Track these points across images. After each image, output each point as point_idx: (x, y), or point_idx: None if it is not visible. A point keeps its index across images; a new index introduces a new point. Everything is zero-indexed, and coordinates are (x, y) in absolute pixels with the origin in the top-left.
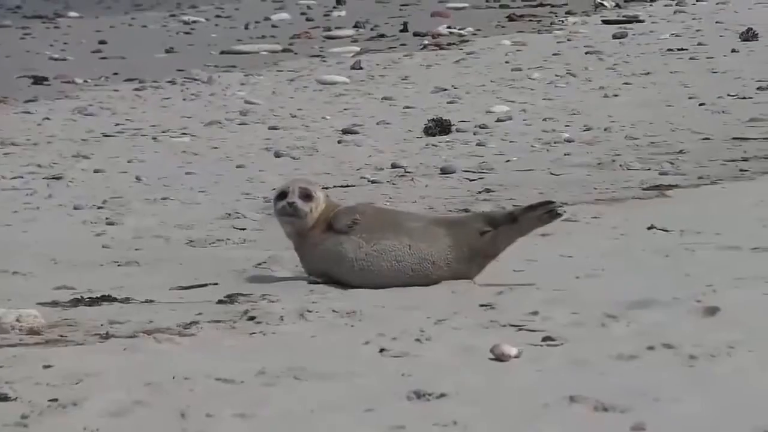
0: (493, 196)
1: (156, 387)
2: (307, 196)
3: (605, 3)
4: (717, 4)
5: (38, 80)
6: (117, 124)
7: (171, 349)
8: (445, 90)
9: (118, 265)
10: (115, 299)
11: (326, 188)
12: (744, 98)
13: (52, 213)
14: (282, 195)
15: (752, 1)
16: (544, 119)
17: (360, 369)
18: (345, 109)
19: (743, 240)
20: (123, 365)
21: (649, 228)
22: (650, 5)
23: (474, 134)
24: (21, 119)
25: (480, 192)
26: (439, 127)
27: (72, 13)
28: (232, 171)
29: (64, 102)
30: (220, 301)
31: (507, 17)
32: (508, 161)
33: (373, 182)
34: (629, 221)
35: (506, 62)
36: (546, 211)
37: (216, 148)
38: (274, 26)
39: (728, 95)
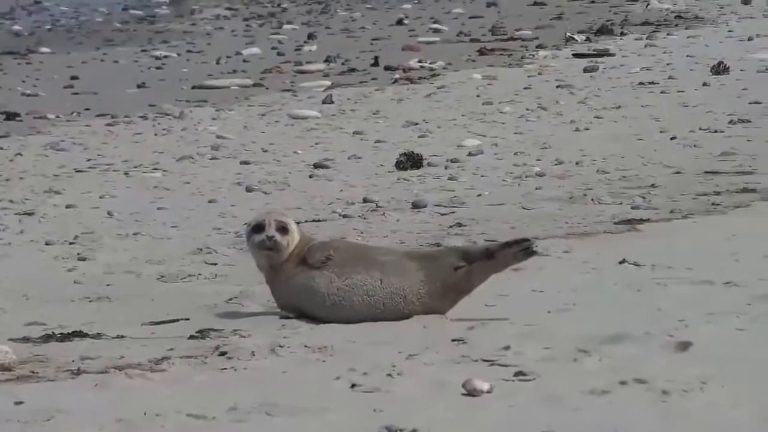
0: (464, 231)
1: (127, 423)
2: (283, 229)
3: (576, 37)
4: (687, 38)
5: (10, 116)
6: (89, 160)
7: (142, 385)
8: (416, 124)
9: (90, 301)
10: (86, 335)
11: (298, 222)
12: (715, 132)
13: (23, 249)
14: (258, 228)
15: (723, 35)
16: (516, 153)
17: (332, 404)
18: (316, 144)
19: (715, 274)
20: (94, 401)
21: (620, 262)
22: (621, 39)
23: (445, 168)
24: None
25: (451, 226)
26: (411, 162)
27: (44, 49)
28: (203, 206)
29: (36, 137)
30: (191, 337)
31: (478, 51)
32: (479, 195)
33: (344, 216)
34: (601, 255)
35: (477, 96)
36: (522, 249)
37: (188, 183)
38: (245, 61)
39: (700, 129)
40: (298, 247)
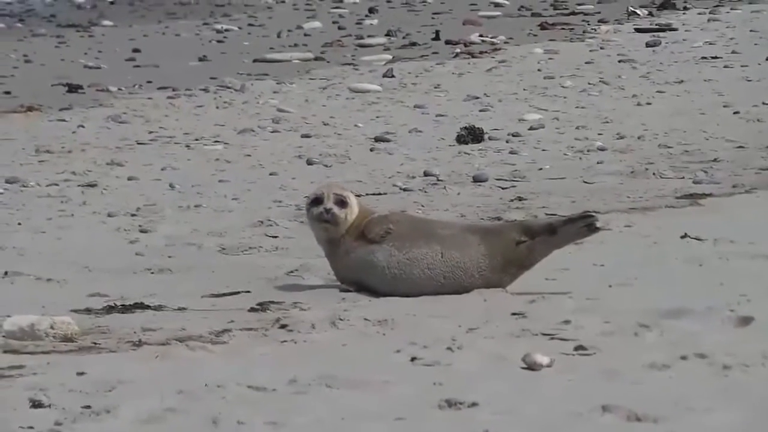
0: (525, 204)
1: (188, 394)
2: (341, 202)
3: (638, 11)
4: (751, 12)
5: (72, 88)
6: (150, 132)
7: (203, 357)
8: (477, 98)
9: (151, 273)
10: (148, 307)
11: (359, 196)
12: None
13: (86, 220)
14: (316, 201)
15: None
16: (577, 127)
17: (391, 377)
18: (377, 117)
19: None
20: (155, 373)
21: (682, 237)
22: (683, 13)
23: (506, 142)
24: (55, 127)
25: (512, 200)
26: (472, 135)
27: (106, 22)
28: (264, 178)
29: (98, 110)
30: (252, 309)
31: (539, 26)
32: (540, 169)
33: (405, 190)
34: (662, 230)
35: (538, 70)
36: (585, 224)
37: (248, 155)
38: (306, 34)
39: (763, 103)
40: (358, 220)
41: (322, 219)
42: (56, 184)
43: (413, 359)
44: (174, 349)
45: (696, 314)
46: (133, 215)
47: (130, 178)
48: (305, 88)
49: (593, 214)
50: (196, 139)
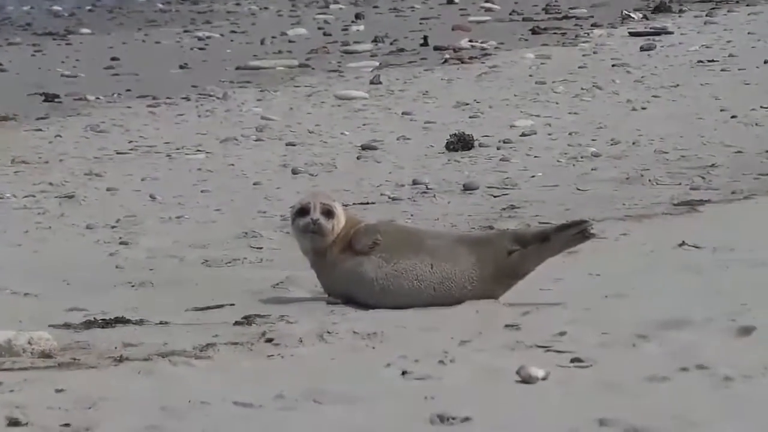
0: (517, 213)
1: (171, 411)
2: (328, 212)
3: (632, 15)
4: (749, 14)
5: (49, 97)
6: (130, 142)
7: (187, 373)
8: (467, 104)
9: (132, 286)
10: (129, 321)
11: (346, 206)
12: None
13: (64, 233)
14: (302, 211)
15: None
16: (570, 133)
17: (381, 392)
18: (364, 125)
19: None
20: (137, 389)
21: (680, 245)
22: (679, 17)
23: (497, 149)
24: (32, 137)
25: (504, 209)
26: (461, 143)
27: (84, 30)
28: (248, 189)
29: (76, 119)
30: (237, 323)
31: (530, 30)
32: (532, 177)
33: (393, 199)
34: (659, 238)
35: (530, 76)
36: (579, 231)
37: (232, 165)
38: (290, 41)
39: (761, 107)
40: (345, 230)
41: (308, 230)
42: (33, 196)
43: (404, 373)
44: (156, 364)
45: (695, 324)
46: (112, 227)
47: (109, 189)
48: (290, 96)
49: (587, 220)
50: (178, 149)
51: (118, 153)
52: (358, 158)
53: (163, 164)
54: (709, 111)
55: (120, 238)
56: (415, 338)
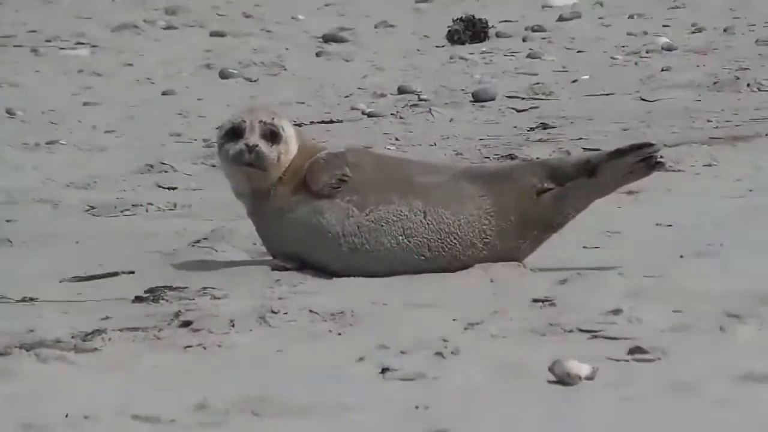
0: (552, 136)
1: (39, 430)
2: (272, 134)
3: None
4: None
5: None
6: None
7: (63, 373)
8: None
9: None
10: None
11: (300, 125)
12: None
13: None
14: (234, 132)
15: None
16: (630, 16)
17: (351, 400)
18: (326, 4)
19: None
20: None
21: None
22: None
23: (523, 41)
24: None
25: (532, 129)
26: (470, 31)
27: None
28: (154, 100)
29: None
30: (137, 299)
31: None
32: (574, 81)
33: (370, 116)
34: (761, 170)
35: None
36: (641, 159)
37: (130, 65)
38: None
39: None
40: (298, 161)
41: (243, 160)
42: None
43: (384, 371)
44: (17, 360)
45: None
46: None
47: None
48: None
49: (653, 143)
50: (48, 40)
51: None
52: (317, 55)
53: (27, 63)
54: None
55: None
56: (401, 320)
